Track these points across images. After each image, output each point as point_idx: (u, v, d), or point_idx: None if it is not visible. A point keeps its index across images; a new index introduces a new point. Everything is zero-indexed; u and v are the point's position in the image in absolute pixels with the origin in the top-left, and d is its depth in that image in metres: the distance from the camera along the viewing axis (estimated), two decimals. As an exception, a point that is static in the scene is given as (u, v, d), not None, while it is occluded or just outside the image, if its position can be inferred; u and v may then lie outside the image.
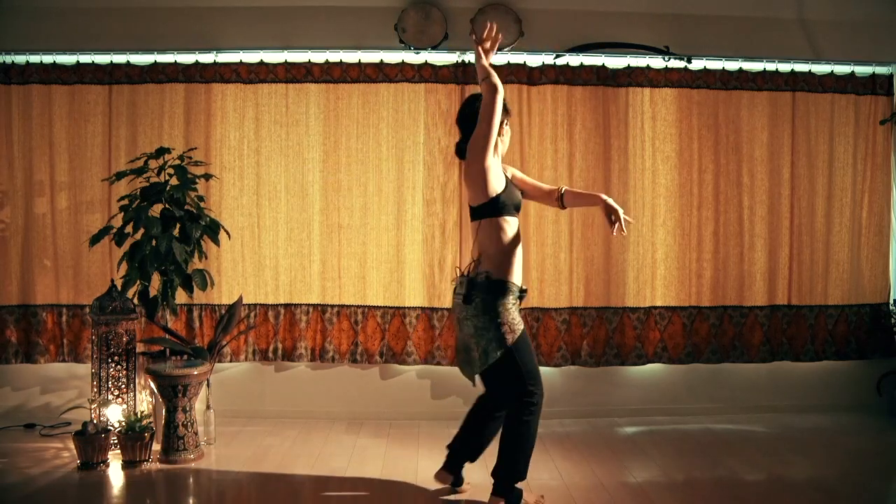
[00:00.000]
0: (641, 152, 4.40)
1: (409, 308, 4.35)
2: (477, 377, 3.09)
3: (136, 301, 3.82)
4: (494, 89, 2.88)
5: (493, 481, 3.06)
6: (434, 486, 3.32)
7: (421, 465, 3.60)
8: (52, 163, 4.31)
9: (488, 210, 2.97)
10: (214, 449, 3.82)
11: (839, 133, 4.49)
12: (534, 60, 4.35)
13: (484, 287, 2.94)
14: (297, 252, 4.36)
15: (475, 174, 2.95)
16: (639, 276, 4.41)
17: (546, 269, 4.37)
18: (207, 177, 4.00)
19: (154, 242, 3.67)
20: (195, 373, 3.63)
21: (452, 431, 4.11)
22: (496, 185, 2.96)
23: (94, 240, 3.75)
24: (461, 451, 3.26)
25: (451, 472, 3.27)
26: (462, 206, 4.34)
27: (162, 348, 3.79)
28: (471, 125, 2.98)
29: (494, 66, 2.97)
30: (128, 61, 4.30)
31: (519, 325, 2.97)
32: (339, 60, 4.32)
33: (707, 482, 3.42)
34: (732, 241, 4.46)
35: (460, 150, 3.10)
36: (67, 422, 4.11)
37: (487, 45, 2.97)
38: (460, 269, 3.15)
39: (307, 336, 4.36)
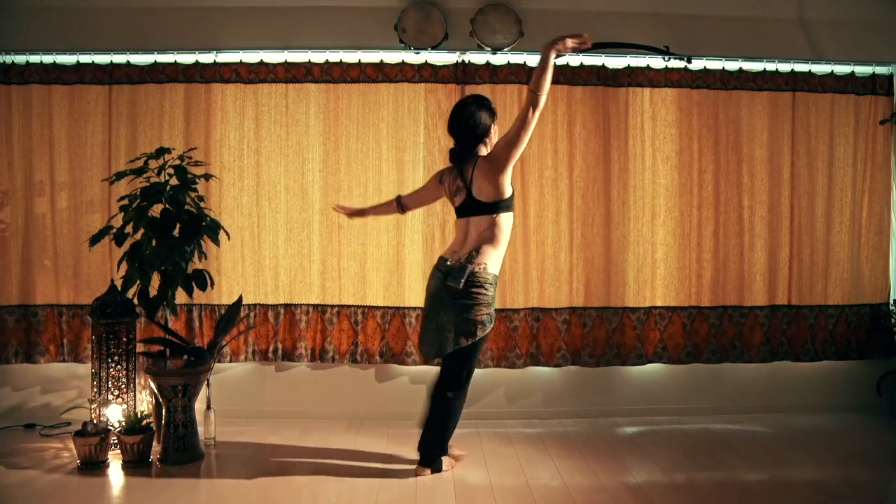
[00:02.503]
0: (641, 152, 4.40)
1: (408, 308, 4.35)
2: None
3: (136, 301, 3.82)
4: (536, 105, 3.16)
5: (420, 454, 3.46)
6: (433, 489, 3.32)
7: (421, 465, 3.60)
8: (52, 163, 4.32)
9: (502, 207, 3.29)
10: (214, 449, 3.82)
11: (839, 133, 4.49)
12: (534, 60, 4.35)
13: (480, 278, 3.25)
14: (297, 252, 4.36)
15: (501, 176, 3.25)
16: (639, 276, 4.41)
17: (546, 270, 4.37)
18: (207, 177, 4.00)
19: (154, 242, 3.67)
20: (195, 373, 3.63)
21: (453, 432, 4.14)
22: (510, 186, 3.31)
23: (94, 240, 3.75)
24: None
25: (429, 463, 3.50)
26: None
27: (162, 348, 3.79)
28: (470, 135, 3.33)
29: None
30: (128, 61, 4.30)
31: (492, 322, 3.32)
32: (339, 60, 4.32)
33: (707, 482, 3.42)
34: (732, 241, 4.46)
35: (458, 157, 3.38)
36: (67, 422, 4.11)
37: (571, 43, 3.18)
38: (453, 255, 3.34)
39: (307, 336, 4.36)
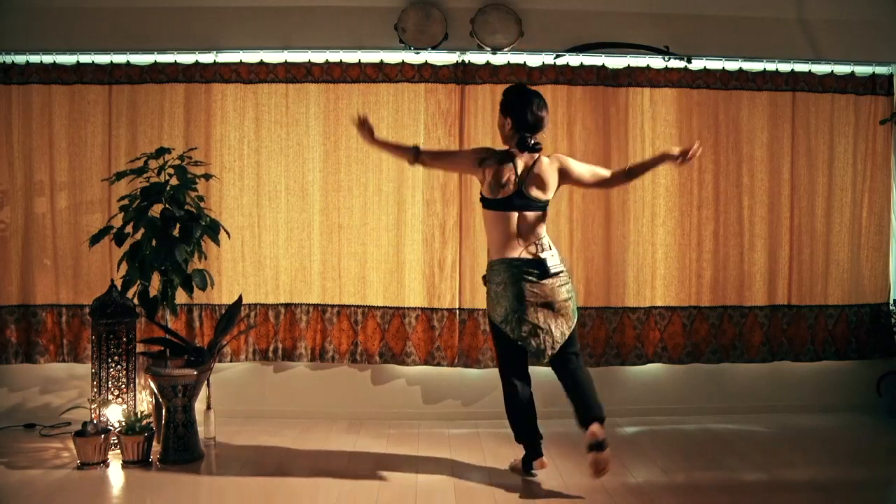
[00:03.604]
0: (641, 152, 4.39)
1: (408, 308, 4.35)
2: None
3: (136, 301, 3.82)
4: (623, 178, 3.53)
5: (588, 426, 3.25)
6: (433, 489, 3.32)
7: (421, 465, 3.60)
8: (52, 163, 4.32)
9: (548, 206, 3.42)
10: (214, 449, 3.83)
11: (839, 133, 4.49)
12: (534, 60, 4.35)
13: (561, 260, 3.40)
14: (297, 252, 4.36)
15: (562, 184, 3.45)
16: (639, 276, 4.41)
17: (546, 269, 4.36)
18: (207, 177, 4.00)
19: (154, 242, 3.67)
20: (195, 373, 3.63)
21: (452, 432, 4.15)
22: None
23: (94, 240, 3.75)
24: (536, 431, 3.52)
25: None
26: (462, 206, 4.34)
27: (162, 348, 3.79)
28: (542, 128, 3.36)
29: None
30: (128, 61, 4.30)
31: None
32: (339, 60, 4.32)
33: (707, 482, 3.42)
34: (732, 241, 4.46)
35: (530, 148, 3.33)
36: (67, 422, 4.11)
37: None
38: (532, 252, 3.34)
39: (307, 336, 4.36)
